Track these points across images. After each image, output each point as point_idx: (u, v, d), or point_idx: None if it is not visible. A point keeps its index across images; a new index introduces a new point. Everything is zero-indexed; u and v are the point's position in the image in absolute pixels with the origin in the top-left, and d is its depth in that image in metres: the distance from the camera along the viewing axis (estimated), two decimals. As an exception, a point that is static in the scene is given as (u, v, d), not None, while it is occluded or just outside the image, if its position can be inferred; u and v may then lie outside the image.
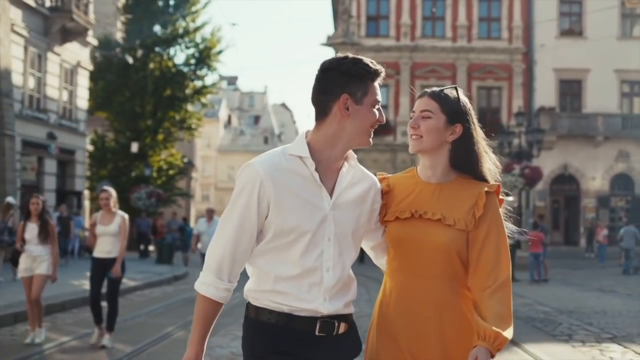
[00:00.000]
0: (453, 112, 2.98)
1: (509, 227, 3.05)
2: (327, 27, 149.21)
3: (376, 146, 32.89)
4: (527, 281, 20.29)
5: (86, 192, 33.02)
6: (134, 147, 37.23)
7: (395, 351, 2.91)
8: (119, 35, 40.40)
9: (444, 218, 2.91)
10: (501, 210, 3.00)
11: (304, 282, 2.70)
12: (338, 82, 2.74)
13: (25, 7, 25.71)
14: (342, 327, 2.79)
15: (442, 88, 3.05)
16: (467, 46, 38.00)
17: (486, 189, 2.95)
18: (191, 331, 2.73)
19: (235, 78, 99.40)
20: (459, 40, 38.14)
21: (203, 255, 14.20)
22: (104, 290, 9.72)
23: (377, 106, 2.78)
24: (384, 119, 2.82)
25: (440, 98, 2.99)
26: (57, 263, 9.77)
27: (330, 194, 2.78)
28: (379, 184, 3.03)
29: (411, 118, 3.05)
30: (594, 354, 8.99)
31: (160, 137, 40.70)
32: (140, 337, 10.10)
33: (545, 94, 37.58)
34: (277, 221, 2.70)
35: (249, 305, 2.82)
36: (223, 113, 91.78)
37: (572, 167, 37.29)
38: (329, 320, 2.74)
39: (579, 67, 37.35)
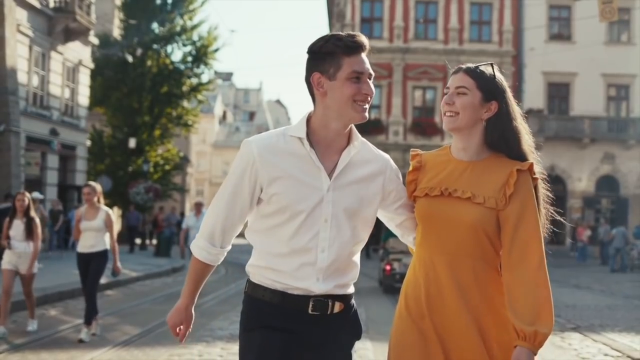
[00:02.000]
0: (489, 89, 2.96)
1: (548, 208, 3.13)
2: (322, 28, 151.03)
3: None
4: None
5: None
6: (132, 142, 37.96)
7: (422, 329, 2.91)
8: (117, 33, 41.22)
9: (474, 196, 2.90)
10: (542, 191, 3.05)
11: (297, 260, 2.77)
12: (312, 63, 2.82)
13: (30, 8, 26.60)
14: (337, 307, 2.84)
15: (478, 64, 3.04)
16: (458, 49, 38.87)
17: (518, 167, 2.91)
18: (184, 285, 2.99)
19: (231, 74, 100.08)
20: (450, 42, 39.02)
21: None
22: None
23: (356, 77, 2.76)
24: (370, 88, 2.80)
25: (476, 74, 2.97)
26: (35, 259, 9.74)
27: (332, 175, 2.82)
28: (393, 165, 3.03)
29: (445, 94, 3.02)
30: (555, 341, 10.00)
31: (157, 132, 41.43)
32: (147, 321, 11.04)
33: (534, 97, 38.50)
34: (271, 200, 2.78)
35: (248, 280, 2.94)
36: (218, 109, 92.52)
37: (559, 168, 38.25)
38: (323, 299, 2.79)
39: (567, 70, 38.30)
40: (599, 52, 37.52)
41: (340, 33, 2.80)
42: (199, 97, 42.87)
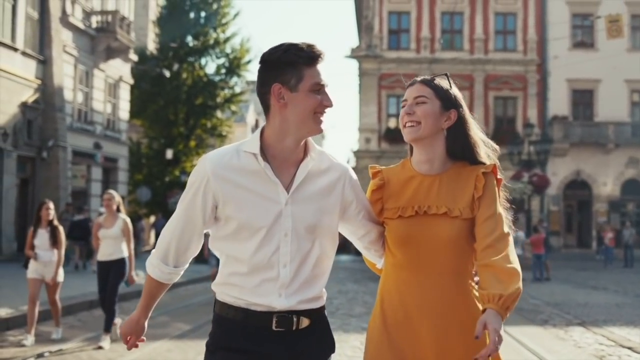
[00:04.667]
0: (447, 97, 2.95)
1: (508, 218, 2.99)
2: (352, 39, 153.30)
3: (398, 154, 34.84)
4: (530, 280, 22.35)
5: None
6: (169, 153, 39.27)
7: (403, 350, 2.87)
8: (152, 47, 42.62)
9: (450, 210, 2.86)
10: (502, 193, 3.02)
11: (259, 277, 2.70)
12: (270, 73, 2.71)
13: (75, 29, 28.28)
14: (304, 323, 2.74)
15: (433, 76, 3.04)
16: (484, 58, 39.92)
17: (483, 170, 2.92)
18: (140, 299, 2.94)
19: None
20: (476, 52, 40.07)
21: (213, 255, 15.40)
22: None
23: (318, 89, 2.69)
24: (331, 101, 2.72)
25: (432, 84, 2.96)
26: (59, 266, 9.83)
27: (289, 189, 2.73)
28: (352, 175, 2.94)
29: (403, 107, 2.99)
30: (559, 333, 11.18)
31: (192, 143, 42.62)
32: (196, 319, 12.33)
33: (559, 104, 39.47)
34: (228, 218, 2.72)
35: (215, 299, 2.86)
36: (250, 117, 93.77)
37: (585, 173, 39.09)
38: (287, 315, 2.70)
39: (591, 77, 39.14)
40: (621, 59, 38.22)
41: (298, 42, 2.71)
42: (233, 107, 43.89)
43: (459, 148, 2.97)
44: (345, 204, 2.90)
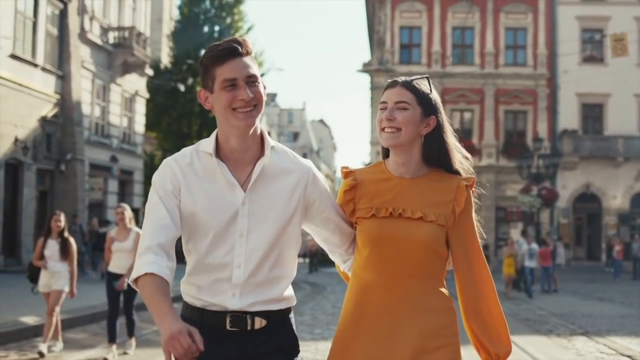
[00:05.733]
0: (428, 104, 2.88)
1: (478, 226, 2.98)
2: (364, 53, 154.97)
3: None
4: (538, 292, 22.76)
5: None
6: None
7: (371, 351, 2.81)
8: (166, 60, 43.24)
9: (425, 215, 2.81)
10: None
11: (213, 276, 2.69)
12: (201, 81, 2.76)
13: (93, 45, 29.00)
14: (259, 323, 2.69)
15: (413, 78, 2.95)
16: (494, 72, 40.30)
17: (464, 182, 2.89)
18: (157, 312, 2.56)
19: (275, 95, 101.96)
20: (486, 66, 40.44)
21: None
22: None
23: (230, 85, 2.64)
24: (246, 93, 2.63)
25: (414, 89, 2.88)
26: (74, 279, 9.94)
27: (245, 187, 2.71)
28: (316, 173, 2.88)
29: (382, 109, 2.90)
30: (562, 342, 11.62)
31: (205, 156, 43.25)
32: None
33: (569, 117, 39.76)
34: (186, 215, 2.69)
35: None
36: (263, 129, 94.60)
37: (594, 186, 39.37)
38: (241, 315, 2.67)
39: (601, 91, 39.36)
40: (631, 74, 38.35)
41: (216, 44, 2.71)
42: (246, 120, 44.26)
43: (435, 154, 2.92)
44: (307, 204, 2.83)
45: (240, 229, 2.68)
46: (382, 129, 2.89)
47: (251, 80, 2.66)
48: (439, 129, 2.90)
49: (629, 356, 10.32)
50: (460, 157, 2.97)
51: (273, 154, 2.78)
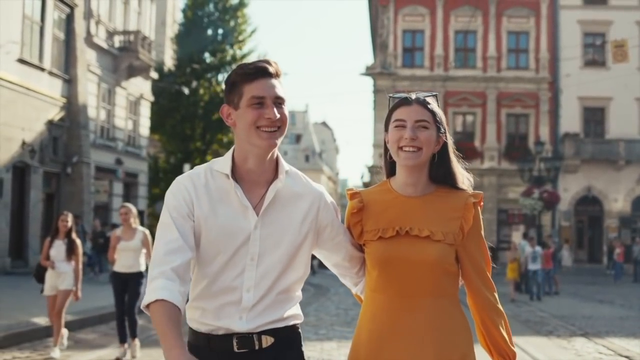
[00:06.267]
0: (441, 123, 2.89)
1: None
2: (367, 56, 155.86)
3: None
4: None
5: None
6: (186, 168, 39.94)
7: None
8: (170, 63, 43.41)
9: (432, 234, 2.78)
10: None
11: (221, 299, 2.64)
12: (225, 96, 2.74)
13: (99, 49, 29.31)
14: (266, 341, 2.66)
15: (425, 95, 2.95)
16: (496, 76, 40.50)
17: (472, 199, 2.87)
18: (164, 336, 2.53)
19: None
20: (489, 70, 40.67)
21: None
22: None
23: (258, 103, 2.64)
24: (273, 112, 2.64)
25: (429, 108, 2.87)
26: (79, 280, 9.94)
27: (258, 211, 2.67)
28: (327, 199, 2.86)
29: (398, 127, 2.87)
30: (562, 343, 11.90)
31: (209, 158, 43.05)
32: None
33: (570, 121, 39.96)
34: (197, 237, 2.65)
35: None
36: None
37: (596, 189, 39.56)
38: (247, 335, 2.64)
39: (602, 95, 39.60)
40: (632, 77, 38.49)
41: (247, 62, 2.72)
42: (248, 123, 44.31)
43: (441, 172, 2.90)
44: (319, 229, 2.82)
45: (252, 253, 2.65)
46: (400, 148, 2.83)
47: (278, 102, 2.66)
48: (445, 147, 2.90)
49: (627, 357, 10.58)
50: (464, 173, 2.95)
51: (286, 177, 2.75)
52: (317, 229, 2.80)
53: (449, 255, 2.80)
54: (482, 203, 2.91)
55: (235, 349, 2.62)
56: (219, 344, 2.64)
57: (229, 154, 2.73)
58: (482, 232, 2.92)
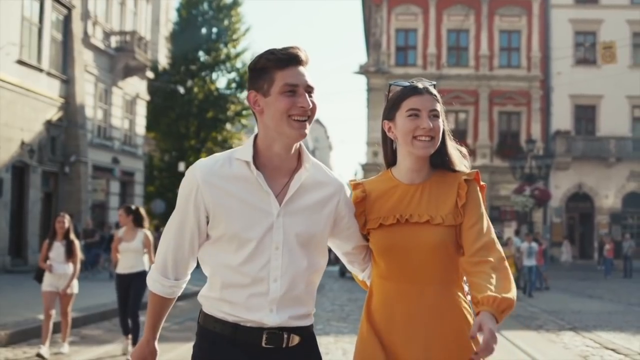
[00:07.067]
0: (443, 111, 2.93)
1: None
2: (360, 55, 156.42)
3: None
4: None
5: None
6: (181, 166, 40.04)
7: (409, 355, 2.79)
8: (164, 62, 43.53)
9: (432, 218, 2.82)
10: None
11: (248, 291, 2.59)
12: (250, 82, 2.68)
13: (96, 49, 29.65)
14: (294, 340, 2.65)
15: (430, 83, 2.98)
16: (488, 74, 40.86)
17: (465, 177, 2.89)
18: (146, 320, 2.82)
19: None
20: (481, 68, 41.02)
21: None
22: None
23: (290, 90, 2.58)
24: (306, 101, 2.59)
25: (437, 96, 2.91)
26: (73, 279, 9.88)
27: (281, 200, 2.63)
28: (347, 189, 2.89)
29: (411, 116, 2.87)
30: (550, 337, 12.34)
31: (203, 156, 42.96)
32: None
33: (562, 119, 40.34)
34: (218, 227, 2.61)
35: (200, 311, 2.75)
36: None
37: (587, 186, 39.94)
38: (277, 332, 2.61)
39: (593, 93, 40.00)
40: (623, 76, 38.78)
41: (275, 48, 2.65)
42: (243, 121, 44.62)
43: (441, 157, 2.95)
44: (337, 219, 2.83)
45: (276, 242, 2.61)
46: (415, 137, 2.86)
47: (309, 91, 2.62)
48: (445, 133, 2.95)
49: (612, 349, 11.00)
50: (459, 155, 3.00)
51: (309, 167, 2.73)
52: (335, 217, 2.81)
53: (450, 238, 2.84)
54: (479, 179, 2.94)
55: (263, 344, 2.60)
56: (246, 335, 2.61)
57: (249, 142, 2.68)
58: (483, 210, 2.91)
